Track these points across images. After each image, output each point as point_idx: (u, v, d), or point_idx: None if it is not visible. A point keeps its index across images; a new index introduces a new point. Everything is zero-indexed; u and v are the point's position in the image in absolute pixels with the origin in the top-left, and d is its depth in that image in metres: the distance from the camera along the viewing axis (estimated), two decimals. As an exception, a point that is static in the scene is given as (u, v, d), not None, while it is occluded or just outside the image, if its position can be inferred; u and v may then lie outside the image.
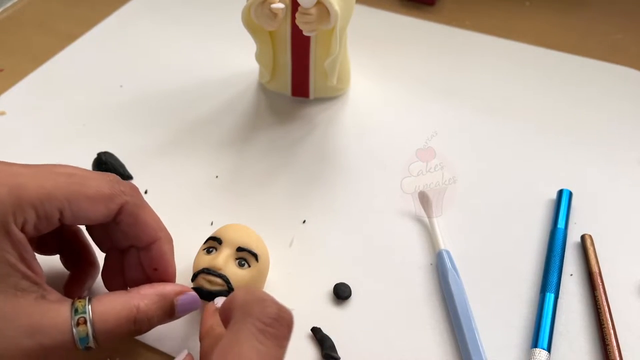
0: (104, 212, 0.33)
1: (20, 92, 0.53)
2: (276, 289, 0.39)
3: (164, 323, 0.34)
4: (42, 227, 0.32)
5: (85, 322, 0.31)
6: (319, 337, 0.36)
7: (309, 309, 0.38)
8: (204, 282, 0.35)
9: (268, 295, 0.29)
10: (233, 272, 0.36)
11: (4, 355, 0.29)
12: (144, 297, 0.33)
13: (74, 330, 0.30)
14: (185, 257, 0.40)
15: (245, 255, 0.36)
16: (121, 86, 0.54)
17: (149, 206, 0.35)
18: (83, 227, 0.38)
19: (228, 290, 0.35)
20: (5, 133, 0.49)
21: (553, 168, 0.47)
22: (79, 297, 0.32)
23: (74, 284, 0.37)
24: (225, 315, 0.30)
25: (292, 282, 0.40)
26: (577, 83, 0.55)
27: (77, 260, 0.38)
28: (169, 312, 0.33)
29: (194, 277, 0.36)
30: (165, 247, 0.35)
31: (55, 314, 0.31)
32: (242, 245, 0.36)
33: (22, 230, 0.31)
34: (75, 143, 0.48)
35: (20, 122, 0.50)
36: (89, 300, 0.31)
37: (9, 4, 0.63)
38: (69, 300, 0.31)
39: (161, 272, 0.35)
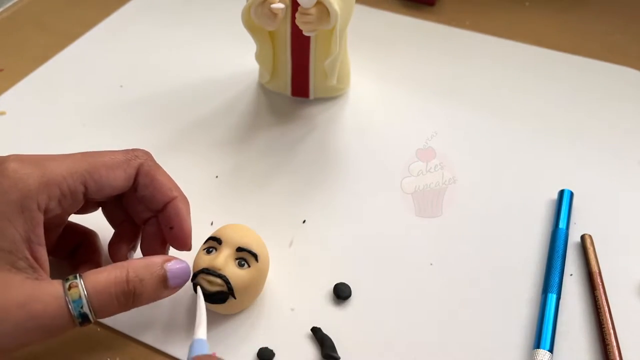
0: (123, 176, 0.35)
1: (20, 92, 0.53)
2: (276, 289, 0.39)
3: (158, 296, 0.34)
4: (67, 204, 0.33)
5: (77, 286, 0.31)
6: (319, 337, 0.36)
7: (309, 309, 0.38)
8: (204, 282, 0.35)
9: None
10: (233, 272, 0.36)
11: None
12: (132, 263, 0.33)
13: (67, 294, 0.31)
14: (185, 257, 0.40)
15: (245, 256, 0.36)
16: (121, 86, 0.54)
17: (162, 169, 0.37)
18: (98, 229, 0.39)
19: (228, 290, 0.35)
20: (5, 133, 0.49)
21: (553, 168, 0.47)
22: (69, 275, 0.32)
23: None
24: None
25: (292, 282, 0.40)
26: (577, 83, 0.55)
27: (84, 264, 0.38)
28: (161, 277, 0.33)
29: (194, 277, 0.36)
30: (181, 205, 0.36)
31: (47, 285, 0.31)
32: (242, 246, 0.36)
33: (47, 208, 0.32)
34: (75, 143, 0.48)
35: (20, 122, 0.50)
36: (80, 274, 0.32)
37: (9, 4, 0.63)
38: (60, 280, 0.32)
39: (177, 230, 0.36)
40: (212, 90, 0.53)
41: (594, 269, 0.40)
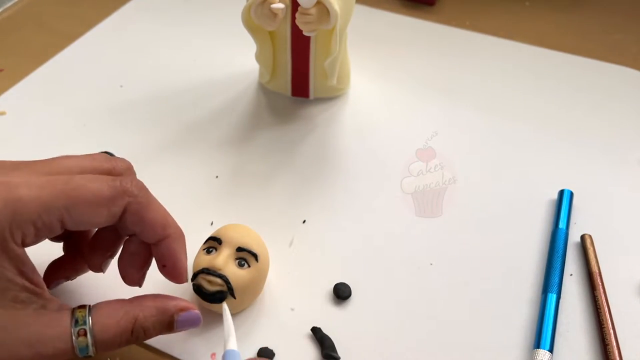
0: (106, 215, 0.32)
1: (20, 92, 0.53)
2: (276, 289, 0.39)
3: (163, 334, 0.33)
4: (44, 236, 0.31)
5: (85, 334, 0.30)
6: (319, 337, 0.36)
7: (309, 309, 0.38)
8: (204, 282, 0.35)
9: None
10: (233, 272, 0.36)
11: None
12: (144, 309, 0.32)
13: (74, 341, 0.30)
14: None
15: (245, 256, 0.36)
16: (121, 86, 0.54)
17: (156, 202, 0.34)
18: None
19: (228, 289, 0.35)
20: (5, 133, 0.49)
21: (553, 168, 0.47)
22: (80, 307, 0.31)
23: (59, 268, 0.37)
24: None
25: (292, 282, 0.40)
26: (577, 83, 0.55)
27: (75, 248, 0.37)
28: (168, 326, 0.33)
29: (194, 277, 0.36)
30: (174, 245, 0.34)
31: (55, 324, 0.30)
32: (242, 245, 0.36)
33: (24, 242, 0.30)
34: (75, 143, 0.48)
35: (20, 122, 0.50)
36: (89, 309, 0.31)
37: (9, 4, 0.63)
38: (69, 309, 0.31)
39: (170, 269, 0.34)
40: (212, 90, 0.53)
41: (594, 269, 0.40)
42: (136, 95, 0.53)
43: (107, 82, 0.54)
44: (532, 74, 0.56)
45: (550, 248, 0.41)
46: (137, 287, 0.35)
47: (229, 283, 0.35)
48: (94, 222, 0.32)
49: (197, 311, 0.34)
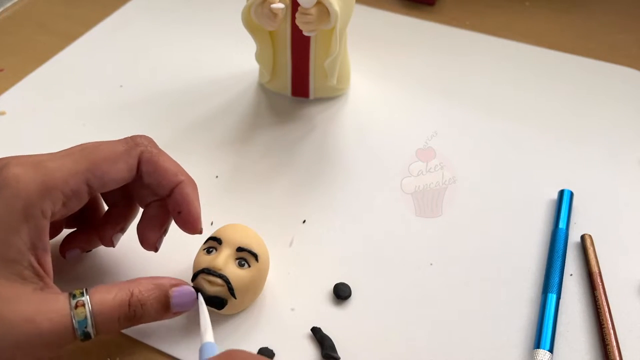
0: (125, 168, 0.34)
1: (20, 92, 0.53)
2: (276, 289, 0.39)
3: (160, 317, 0.34)
4: (73, 205, 0.33)
5: (83, 305, 0.31)
6: (319, 337, 0.36)
7: (309, 309, 0.38)
8: (204, 282, 0.35)
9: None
10: (233, 272, 0.36)
11: (3, 339, 0.30)
12: (139, 284, 0.33)
13: (72, 313, 0.31)
14: (185, 257, 0.40)
15: (245, 255, 0.36)
16: (121, 86, 0.54)
17: (166, 154, 0.36)
18: None
19: (228, 289, 0.35)
20: (5, 133, 0.49)
21: (553, 168, 0.47)
22: (76, 289, 0.32)
23: (74, 239, 0.39)
24: None
25: (292, 282, 0.40)
26: (577, 83, 0.55)
27: (88, 223, 0.39)
28: (164, 302, 0.34)
29: (194, 277, 0.36)
30: (188, 189, 0.36)
31: (54, 300, 0.31)
32: (242, 245, 0.36)
33: (51, 212, 0.32)
34: (75, 143, 0.48)
35: (20, 122, 0.50)
36: (86, 290, 0.32)
37: (9, 4, 0.63)
38: (67, 293, 0.32)
39: (185, 214, 0.36)
40: (212, 90, 0.53)
41: (594, 269, 0.40)
42: (136, 95, 0.53)
43: (107, 82, 0.54)
44: (532, 74, 0.56)
45: (550, 248, 0.41)
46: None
47: (230, 283, 0.35)
48: (115, 177, 0.34)
49: (190, 288, 0.35)
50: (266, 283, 0.38)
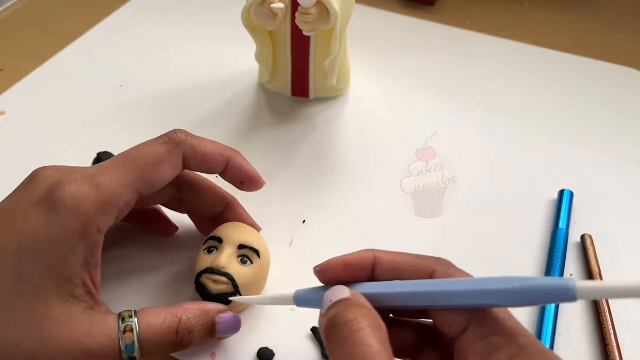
0: (171, 168, 0.35)
1: (20, 92, 0.53)
2: (276, 288, 0.39)
3: (205, 342, 0.34)
4: (123, 215, 0.34)
5: (131, 330, 0.31)
6: (319, 337, 0.36)
7: (309, 309, 0.38)
8: (209, 282, 0.35)
9: None
10: (237, 269, 0.36)
11: (52, 358, 0.30)
12: (186, 311, 0.33)
13: (120, 336, 0.31)
14: (186, 258, 0.40)
15: (247, 252, 0.36)
16: (121, 86, 0.54)
17: (204, 138, 0.37)
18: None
19: (233, 287, 0.35)
20: (5, 133, 0.49)
21: (553, 168, 0.47)
22: (125, 310, 0.32)
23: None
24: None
25: (292, 282, 0.40)
26: (577, 83, 0.55)
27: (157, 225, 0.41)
28: (210, 328, 0.34)
29: (198, 277, 0.36)
30: (239, 161, 0.37)
31: (103, 322, 0.31)
32: (243, 243, 0.37)
33: (108, 227, 0.32)
34: (75, 143, 0.48)
35: (20, 122, 0.50)
36: (135, 312, 0.32)
37: (9, 4, 0.63)
38: (116, 313, 0.32)
39: (247, 181, 0.38)
40: (212, 90, 0.53)
41: (594, 269, 0.40)
42: (136, 95, 0.53)
43: (107, 82, 0.54)
44: (532, 74, 0.56)
45: (550, 248, 0.41)
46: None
47: (234, 281, 0.35)
48: (164, 179, 0.35)
49: (237, 315, 0.35)
50: (266, 283, 0.38)
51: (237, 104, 0.52)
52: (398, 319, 0.32)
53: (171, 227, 0.41)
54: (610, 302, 0.38)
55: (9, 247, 0.30)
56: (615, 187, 0.46)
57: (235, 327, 0.35)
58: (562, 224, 0.42)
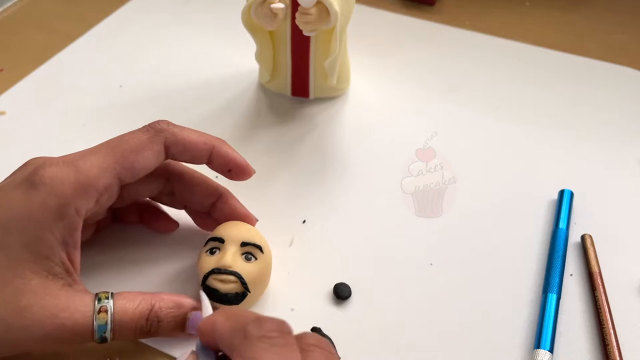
0: (152, 155, 0.35)
1: (20, 92, 0.53)
2: (276, 288, 0.39)
3: (175, 335, 0.35)
4: (105, 201, 0.34)
5: (106, 311, 0.32)
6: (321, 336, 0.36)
7: (309, 309, 0.38)
8: (217, 282, 0.35)
9: (252, 313, 0.29)
10: (243, 267, 0.36)
11: (28, 331, 0.31)
12: (161, 300, 0.34)
13: (95, 316, 0.32)
14: (187, 258, 0.40)
15: (250, 249, 0.37)
16: (121, 86, 0.54)
17: (187, 127, 0.37)
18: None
19: (242, 285, 0.35)
20: (5, 133, 0.49)
21: (554, 168, 0.47)
22: (103, 291, 0.33)
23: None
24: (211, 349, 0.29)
25: (292, 282, 0.40)
26: (577, 83, 0.55)
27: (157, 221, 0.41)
28: (180, 323, 0.34)
29: (204, 279, 0.36)
30: (224, 149, 0.37)
31: (80, 299, 0.32)
32: (245, 240, 0.37)
33: (87, 210, 0.33)
34: (75, 143, 0.48)
35: (20, 122, 0.50)
36: (112, 294, 0.33)
37: (9, 4, 0.63)
38: (93, 293, 0.33)
39: (235, 169, 0.38)
40: (212, 90, 0.53)
41: (594, 269, 0.40)
42: (136, 95, 0.53)
43: (107, 82, 0.54)
44: (532, 74, 0.56)
45: (550, 248, 0.41)
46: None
47: (242, 278, 0.35)
48: (145, 166, 0.35)
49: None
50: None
51: (237, 104, 0.52)
52: None
53: (172, 222, 0.41)
54: (610, 302, 0.38)
55: None
56: (615, 187, 0.46)
57: None
58: (562, 224, 0.42)
